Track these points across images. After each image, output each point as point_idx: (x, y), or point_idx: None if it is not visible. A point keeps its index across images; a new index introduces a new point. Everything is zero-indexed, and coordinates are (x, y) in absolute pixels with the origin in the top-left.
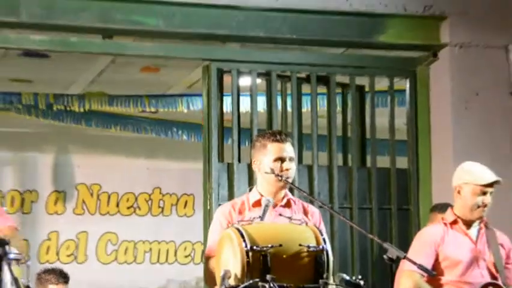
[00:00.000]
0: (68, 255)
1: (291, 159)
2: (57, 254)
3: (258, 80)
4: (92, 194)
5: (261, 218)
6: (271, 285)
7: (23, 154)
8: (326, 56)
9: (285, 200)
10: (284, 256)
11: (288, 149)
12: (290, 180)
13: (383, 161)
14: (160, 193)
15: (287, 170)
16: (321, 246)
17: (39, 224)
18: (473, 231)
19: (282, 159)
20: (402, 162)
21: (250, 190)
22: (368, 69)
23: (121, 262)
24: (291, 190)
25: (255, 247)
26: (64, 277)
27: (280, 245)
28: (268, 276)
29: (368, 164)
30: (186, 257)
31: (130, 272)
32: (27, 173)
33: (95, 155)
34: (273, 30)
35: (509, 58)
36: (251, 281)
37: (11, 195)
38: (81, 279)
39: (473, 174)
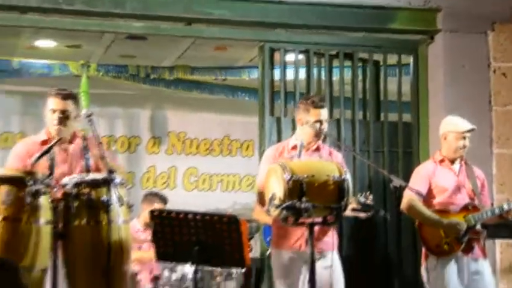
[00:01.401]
0: (162, 184)
1: (325, 121)
2: (155, 182)
3: (300, 56)
4: (179, 139)
5: (298, 156)
6: (306, 204)
7: (130, 110)
8: (351, 38)
9: (315, 146)
10: (315, 184)
11: (324, 113)
12: (323, 135)
13: (393, 117)
14: (229, 139)
15: (323, 128)
16: (342, 177)
17: (141, 161)
18: (456, 166)
19: (320, 122)
20: (407, 118)
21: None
22: (382, 48)
23: (200, 189)
24: (324, 139)
25: (293, 177)
26: (164, 199)
27: (313, 176)
28: (303, 198)
29: (382, 118)
30: (248, 186)
31: (207, 197)
32: (133, 124)
33: (181, 111)
34: (310, 19)
35: (488, 41)
36: (291, 202)
37: (121, 140)
38: (172, 201)
39: (455, 124)
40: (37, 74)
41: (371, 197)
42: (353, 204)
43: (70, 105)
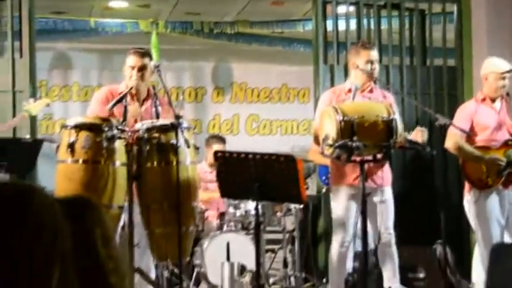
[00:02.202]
0: (227, 130)
1: (376, 61)
2: (220, 129)
3: (350, 8)
4: (241, 89)
5: (353, 98)
6: (356, 143)
7: (195, 63)
8: None
9: (369, 88)
10: (365, 124)
11: (374, 54)
12: (376, 75)
13: (438, 62)
14: (287, 87)
15: (374, 68)
16: (391, 117)
17: (207, 109)
18: (497, 105)
19: (371, 62)
20: (451, 62)
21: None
22: None
23: (261, 134)
24: (375, 81)
25: (345, 118)
26: (222, 139)
27: (363, 116)
28: (354, 137)
29: (428, 63)
30: (304, 130)
31: (268, 141)
32: (199, 76)
33: (242, 62)
34: None
35: None
36: (343, 141)
37: (188, 90)
38: (236, 144)
39: (495, 65)
40: (111, 32)
41: (424, 129)
42: (401, 142)
43: (146, 61)
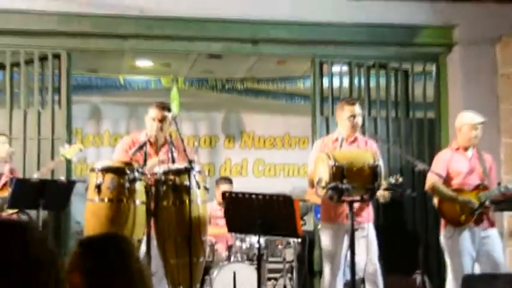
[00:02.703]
0: (236, 172)
1: (359, 115)
2: (230, 171)
3: (344, 67)
4: (249, 137)
5: (340, 147)
6: (346, 185)
7: (210, 114)
8: (384, 51)
9: (352, 138)
10: (354, 169)
11: (357, 109)
12: (357, 128)
13: (419, 114)
14: (289, 136)
15: (356, 122)
16: (376, 163)
17: (219, 154)
18: (469, 153)
19: (353, 116)
20: (431, 115)
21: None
22: (409, 59)
23: (266, 176)
24: (363, 132)
25: (336, 163)
26: (229, 180)
27: (351, 162)
28: (344, 181)
29: (410, 116)
30: (304, 173)
31: (272, 182)
32: (212, 125)
33: (250, 114)
34: (351, 37)
35: (495, 50)
36: (334, 183)
37: (203, 138)
38: (244, 185)
39: (469, 117)
40: (138, 87)
41: (400, 179)
42: (384, 185)
43: (166, 114)
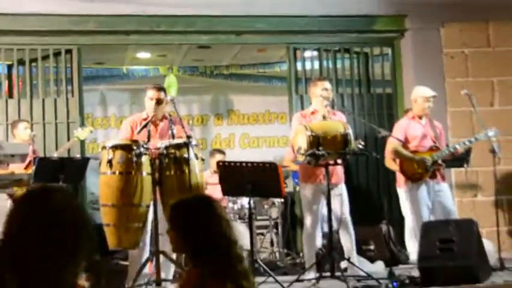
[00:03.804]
0: (225, 145)
1: (330, 88)
2: (220, 145)
3: (314, 53)
4: (235, 115)
5: (324, 119)
6: (322, 152)
7: (201, 96)
8: (348, 38)
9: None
10: (328, 137)
11: (327, 84)
12: (329, 101)
13: (379, 90)
14: (269, 112)
15: (328, 94)
16: (346, 132)
17: (210, 130)
18: (423, 121)
19: (325, 89)
20: (389, 90)
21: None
22: (369, 43)
23: (251, 148)
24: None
25: (313, 133)
26: (222, 152)
27: (326, 132)
28: (320, 148)
29: (372, 92)
30: (283, 143)
31: (256, 153)
32: (204, 106)
33: (236, 95)
34: (320, 27)
35: (440, 34)
36: (312, 150)
37: (196, 117)
38: (232, 157)
39: (422, 91)
40: (139, 76)
41: (362, 142)
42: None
43: (161, 94)
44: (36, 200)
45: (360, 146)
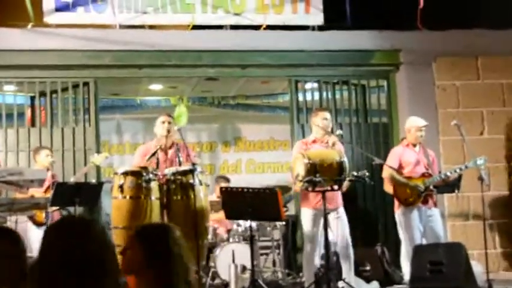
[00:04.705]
0: (232, 170)
1: (329, 119)
2: (228, 170)
3: (314, 85)
4: (242, 142)
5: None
6: (318, 178)
7: (209, 125)
8: (346, 71)
9: (325, 140)
10: (324, 165)
11: (327, 114)
12: (329, 130)
13: (376, 120)
14: (273, 140)
15: (328, 124)
16: (342, 160)
17: (218, 157)
18: (417, 149)
19: (325, 118)
20: (384, 120)
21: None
22: (366, 76)
23: (256, 173)
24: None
25: (310, 161)
26: (227, 179)
27: (322, 160)
28: (317, 175)
29: (368, 121)
30: (286, 169)
31: (261, 177)
32: (212, 134)
33: (242, 124)
34: (320, 61)
35: (432, 68)
36: (309, 177)
37: (205, 144)
38: (239, 181)
39: (415, 121)
40: (151, 106)
41: (367, 173)
42: (349, 177)
43: (171, 121)
44: (63, 227)
45: (367, 176)
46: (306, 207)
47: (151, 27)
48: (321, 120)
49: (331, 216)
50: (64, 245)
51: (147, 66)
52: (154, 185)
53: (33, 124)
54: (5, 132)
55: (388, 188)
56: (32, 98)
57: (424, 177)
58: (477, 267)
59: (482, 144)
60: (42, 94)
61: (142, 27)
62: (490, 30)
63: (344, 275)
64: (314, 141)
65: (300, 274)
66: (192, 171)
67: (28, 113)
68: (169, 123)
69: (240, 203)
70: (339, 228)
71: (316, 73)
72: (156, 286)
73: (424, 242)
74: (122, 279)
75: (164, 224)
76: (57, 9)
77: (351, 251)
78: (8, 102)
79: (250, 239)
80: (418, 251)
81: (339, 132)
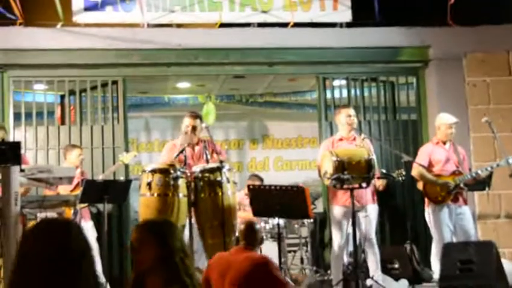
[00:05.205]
0: (260, 168)
1: (354, 115)
2: (255, 167)
3: (342, 82)
4: (270, 139)
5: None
6: (347, 176)
7: (237, 122)
8: (375, 68)
9: (352, 138)
10: (352, 162)
11: (351, 111)
12: (354, 126)
13: (404, 117)
14: (301, 137)
15: (353, 120)
16: (370, 157)
17: (246, 154)
18: (447, 146)
19: (349, 115)
20: (414, 117)
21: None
22: (395, 73)
23: (284, 170)
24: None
25: (338, 158)
26: (261, 178)
27: (350, 157)
28: (345, 172)
29: (397, 118)
30: (315, 166)
31: (289, 175)
32: (240, 131)
33: (270, 121)
34: (348, 57)
35: (463, 64)
36: (337, 175)
37: (233, 141)
38: (266, 179)
39: (446, 118)
40: (179, 104)
41: (404, 172)
42: (377, 174)
43: (197, 122)
44: (41, 232)
45: (403, 175)
46: (336, 205)
47: (179, 25)
48: (345, 118)
49: (361, 214)
50: (41, 249)
51: (175, 65)
52: (181, 182)
53: (63, 122)
54: (35, 130)
55: (420, 185)
56: (62, 97)
57: (454, 175)
58: (508, 266)
59: None
60: (72, 93)
61: (169, 25)
62: None
63: (371, 273)
64: (341, 139)
65: (328, 272)
66: (219, 169)
67: (58, 111)
68: (194, 127)
69: (268, 200)
70: (367, 227)
71: (345, 70)
72: (166, 279)
73: (455, 240)
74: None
75: (167, 220)
76: (86, 9)
77: (376, 248)
78: (38, 100)
79: (278, 236)
80: (448, 249)
81: (363, 136)
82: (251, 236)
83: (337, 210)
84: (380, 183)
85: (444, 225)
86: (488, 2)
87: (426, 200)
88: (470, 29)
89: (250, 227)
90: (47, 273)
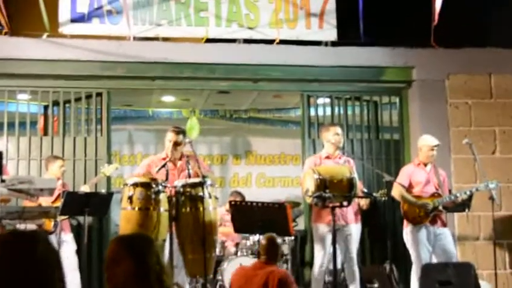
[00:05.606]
0: (242, 184)
1: (341, 134)
2: (238, 183)
3: (326, 100)
4: (253, 155)
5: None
6: (328, 194)
7: (221, 138)
8: (358, 87)
9: (338, 156)
10: (334, 181)
11: (339, 129)
12: (340, 144)
13: (387, 136)
14: (284, 154)
15: (339, 139)
16: (351, 176)
17: (229, 170)
18: (428, 168)
19: (337, 134)
20: (396, 137)
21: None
22: (378, 92)
23: (267, 187)
24: (342, 150)
25: (320, 177)
26: (242, 195)
27: (332, 176)
28: (326, 190)
29: (380, 138)
30: (297, 184)
31: (271, 191)
32: (223, 146)
33: (253, 137)
34: (332, 76)
35: (445, 85)
36: (319, 193)
37: (216, 157)
38: (249, 195)
39: (427, 140)
40: (163, 117)
41: (385, 192)
42: (359, 193)
43: (180, 137)
44: (7, 244)
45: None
46: (320, 223)
47: (165, 39)
48: (332, 136)
49: (342, 233)
50: (8, 261)
51: (160, 78)
52: (163, 196)
53: (45, 133)
54: (17, 141)
55: (406, 206)
56: (45, 107)
57: (434, 197)
58: None
59: (494, 163)
60: (56, 103)
61: (156, 39)
62: (503, 49)
63: None
64: (327, 157)
65: None
66: (201, 184)
67: (41, 121)
68: (176, 143)
69: (249, 216)
70: (348, 246)
71: (329, 88)
72: None
73: (434, 260)
74: None
75: (144, 235)
76: (73, 20)
77: (356, 268)
78: (21, 110)
79: (258, 253)
80: (427, 270)
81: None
82: (272, 251)
83: (322, 229)
84: (363, 203)
85: (422, 245)
86: (471, 25)
87: (404, 220)
88: (453, 51)
89: (271, 241)
90: (14, 285)
